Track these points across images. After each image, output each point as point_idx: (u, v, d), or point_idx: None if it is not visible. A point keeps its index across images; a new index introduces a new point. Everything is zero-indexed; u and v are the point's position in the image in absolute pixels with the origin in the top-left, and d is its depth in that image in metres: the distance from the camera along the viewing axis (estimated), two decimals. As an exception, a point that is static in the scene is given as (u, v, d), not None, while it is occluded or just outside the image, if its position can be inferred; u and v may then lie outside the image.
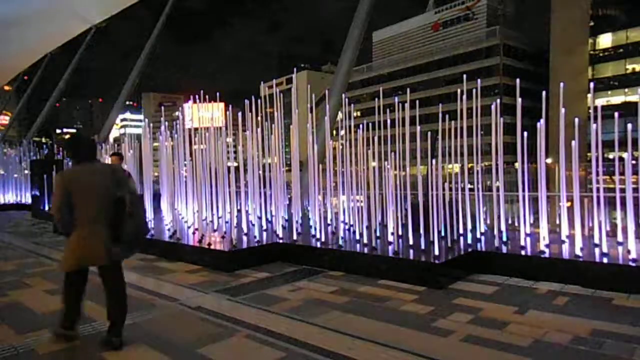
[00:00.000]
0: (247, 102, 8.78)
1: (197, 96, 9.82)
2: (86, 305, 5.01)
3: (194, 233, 8.32)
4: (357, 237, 7.11)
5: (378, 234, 7.00)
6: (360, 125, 8.16)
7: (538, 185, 6.38)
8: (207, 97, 9.98)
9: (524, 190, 6.44)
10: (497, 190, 6.61)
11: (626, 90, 47.78)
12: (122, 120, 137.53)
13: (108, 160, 12.83)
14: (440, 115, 7.19)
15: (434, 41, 79.95)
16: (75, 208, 3.68)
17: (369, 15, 17.75)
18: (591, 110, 6.16)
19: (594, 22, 51.92)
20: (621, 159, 5.70)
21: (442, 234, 6.55)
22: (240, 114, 8.79)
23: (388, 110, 7.37)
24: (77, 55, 39.46)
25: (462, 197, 7.27)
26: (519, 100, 6.43)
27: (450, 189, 7.04)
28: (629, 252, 5.37)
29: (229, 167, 8.59)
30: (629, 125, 5.62)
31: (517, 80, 6.96)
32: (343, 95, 11.10)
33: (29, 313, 4.82)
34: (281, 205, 8.77)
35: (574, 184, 6.09)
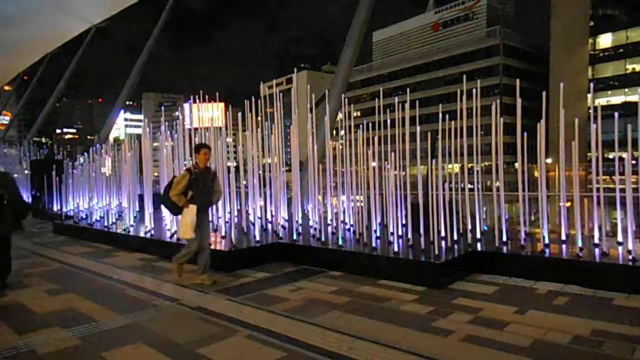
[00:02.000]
0: (247, 102, 8.79)
1: (196, 96, 9.83)
2: (86, 305, 5.02)
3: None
4: (357, 237, 7.11)
5: (378, 234, 7.00)
6: (360, 125, 8.15)
7: (538, 185, 6.38)
8: (206, 97, 9.99)
9: (524, 190, 6.44)
10: (497, 190, 6.61)
11: (626, 90, 47.76)
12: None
13: (108, 159, 12.84)
14: (440, 115, 7.18)
15: (434, 41, 79.93)
16: None
17: (369, 15, 17.74)
18: (591, 110, 6.16)
19: (594, 22, 51.89)
20: (621, 159, 5.70)
21: (442, 234, 6.55)
22: (240, 114, 8.79)
23: (388, 110, 7.36)
24: (77, 56, 39.47)
25: (462, 197, 7.27)
26: (519, 100, 6.43)
27: (450, 189, 7.04)
28: (629, 252, 5.37)
29: (228, 167, 8.58)
30: (629, 125, 5.62)
31: (517, 80, 6.96)
32: (343, 95, 11.09)
33: (29, 313, 4.82)
34: (281, 205, 8.77)
35: (574, 184, 6.09)
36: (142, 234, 9.03)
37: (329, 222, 8.39)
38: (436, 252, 5.82)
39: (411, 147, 7.06)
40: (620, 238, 5.91)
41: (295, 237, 7.71)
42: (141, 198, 11.07)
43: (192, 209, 5.69)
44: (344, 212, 8.36)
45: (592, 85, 7.82)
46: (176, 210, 5.88)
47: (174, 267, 6.10)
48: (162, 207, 6.58)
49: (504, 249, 6.17)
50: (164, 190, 6.13)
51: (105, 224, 10.59)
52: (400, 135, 7.19)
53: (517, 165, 6.44)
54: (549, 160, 7.55)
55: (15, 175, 22.40)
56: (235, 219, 7.90)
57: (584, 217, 6.23)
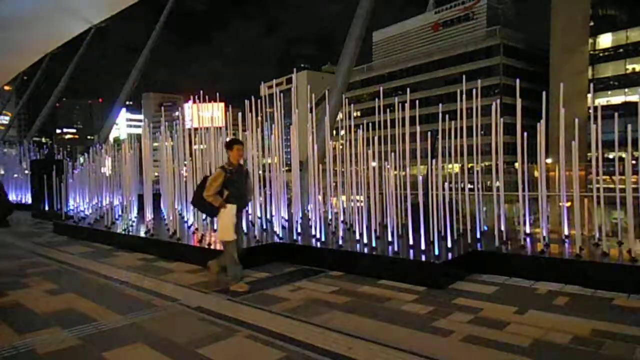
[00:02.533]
0: (247, 102, 8.79)
1: (197, 96, 9.83)
2: (86, 305, 5.03)
3: (194, 233, 8.33)
4: (357, 237, 7.11)
5: (378, 234, 7.00)
6: (360, 125, 8.15)
7: (538, 185, 6.39)
8: (207, 97, 9.99)
9: (524, 190, 6.44)
10: (497, 190, 6.61)
11: (626, 90, 47.79)
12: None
13: (108, 160, 12.85)
14: (440, 115, 7.19)
15: (434, 41, 79.96)
16: None
17: (370, 15, 17.76)
18: (591, 110, 6.16)
19: (594, 22, 51.91)
20: (621, 159, 5.70)
21: (442, 234, 6.55)
22: (240, 114, 8.79)
23: (388, 110, 7.36)
24: (77, 55, 39.51)
25: (462, 197, 7.27)
26: (519, 100, 6.43)
27: (450, 189, 7.04)
28: (629, 252, 5.37)
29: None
30: (629, 125, 5.62)
31: (517, 80, 6.96)
32: (343, 95, 11.10)
33: (29, 313, 4.82)
34: (281, 205, 8.77)
35: (574, 184, 6.10)
36: (142, 234, 9.04)
37: (329, 222, 8.39)
38: (436, 252, 5.82)
39: (411, 147, 7.06)
40: (620, 238, 5.92)
41: (295, 237, 7.71)
42: (141, 198, 11.08)
43: (230, 209, 5.41)
44: (344, 212, 8.36)
45: (592, 85, 7.81)
46: (212, 211, 5.56)
47: (214, 270, 5.85)
48: (196, 208, 6.33)
49: (504, 249, 6.17)
50: (195, 191, 5.77)
51: (105, 224, 10.59)
52: (400, 135, 7.19)
53: (517, 165, 6.44)
54: (549, 160, 7.56)
55: (15, 175, 22.49)
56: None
57: (584, 217, 6.23)
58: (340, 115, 12.40)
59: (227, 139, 6.13)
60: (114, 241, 9.37)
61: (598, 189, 5.88)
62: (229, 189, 5.44)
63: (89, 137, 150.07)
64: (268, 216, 8.69)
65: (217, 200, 5.40)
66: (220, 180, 5.40)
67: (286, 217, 8.94)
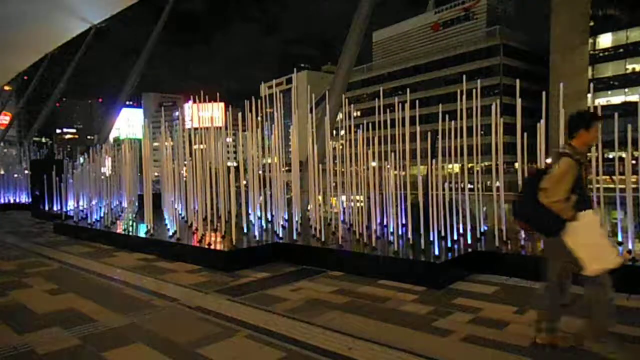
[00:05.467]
0: (247, 102, 8.79)
1: (197, 96, 9.83)
2: (86, 305, 5.03)
3: (194, 233, 8.33)
4: (357, 237, 7.10)
5: (378, 234, 7.00)
6: (360, 125, 8.15)
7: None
8: (207, 97, 9.99)
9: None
10: (497, 190, 6.61)
11: (626, 90, 47.79)
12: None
13: (108, 160, 12.85)
14: (440, 115, 7.19)
15: (434, 41, 79.99)
16: None
17: (369, 15, 17.78)
18: (591, 110, 6.16)
19: (594, 22, 51.91)
20: (621, 159, 5.69)
21: (442, 234, 6.54)
22: (240, 114, 8.80)
23: (388, 110, 7.37)
24: (77, 55, 39.55)
25: (462, 197, 7.27)
26: (519, 100, 6.43)
27: (450, 189, 7.04)
28: (629, 252, 5.36)
29: (229, 167, 8.58)
30: (629, 126, 5.62)
31: (517, 80, 6.96)
32: (343, 96, 11.10)
33: (29, 313, 4.82)
34: (281, 205, 8.77)
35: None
36: (142, 234, 9.04)
37: (329, 222, 8.39)
38: (436, 252, 5.82)
39: (411, 147, 7.07)
40: (620, 238, 5.91)
41: (295, 237, 7.71)
42: (141, 198, 11.08)
43: (591, 219, 3.31)
44: (344, 212, 8.36)
45: (592, 85, 7.82)
46: (557, 226, 3.28)
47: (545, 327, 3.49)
48: (523, 222, 3.66)
49: (504, 249, 6.17)
50: (522, 195, 3.56)
51: (105, 224, 10.59)
52: (400, 135, 7.19)
53: (517, 165, 6.44)
54: (548, 160, 7.54)
55: (15, 175, 22.51)
56: (235, 219, 7.89)
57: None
58: (340, 115, 12.41)
59: (581, 111, 3.59)
60: (114, 241, 9.37)
61: (598, 189, 5.88)
62: (577, 189, 3.29)
63: (89, 137, 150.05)
64: (268, 216, 8.69)
65: (568, 210, 3.24)
66: (572, 176, 3.26)
67: (286, 217, 8.94)
